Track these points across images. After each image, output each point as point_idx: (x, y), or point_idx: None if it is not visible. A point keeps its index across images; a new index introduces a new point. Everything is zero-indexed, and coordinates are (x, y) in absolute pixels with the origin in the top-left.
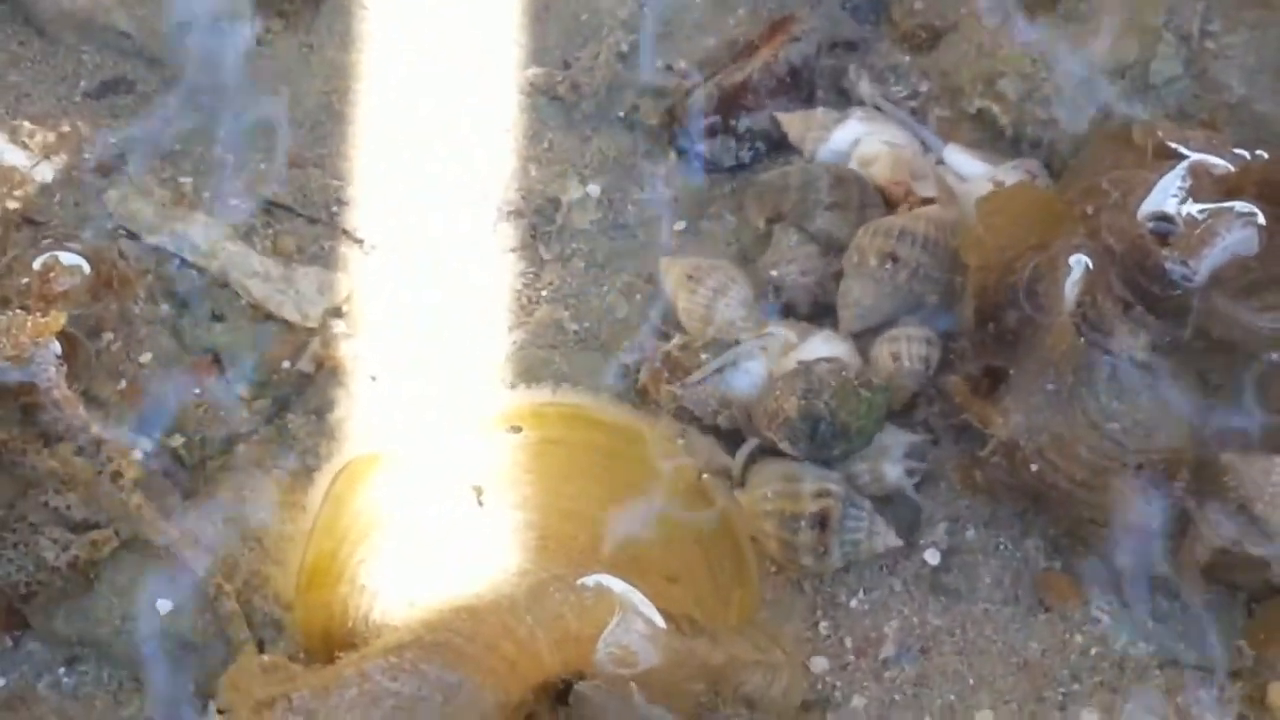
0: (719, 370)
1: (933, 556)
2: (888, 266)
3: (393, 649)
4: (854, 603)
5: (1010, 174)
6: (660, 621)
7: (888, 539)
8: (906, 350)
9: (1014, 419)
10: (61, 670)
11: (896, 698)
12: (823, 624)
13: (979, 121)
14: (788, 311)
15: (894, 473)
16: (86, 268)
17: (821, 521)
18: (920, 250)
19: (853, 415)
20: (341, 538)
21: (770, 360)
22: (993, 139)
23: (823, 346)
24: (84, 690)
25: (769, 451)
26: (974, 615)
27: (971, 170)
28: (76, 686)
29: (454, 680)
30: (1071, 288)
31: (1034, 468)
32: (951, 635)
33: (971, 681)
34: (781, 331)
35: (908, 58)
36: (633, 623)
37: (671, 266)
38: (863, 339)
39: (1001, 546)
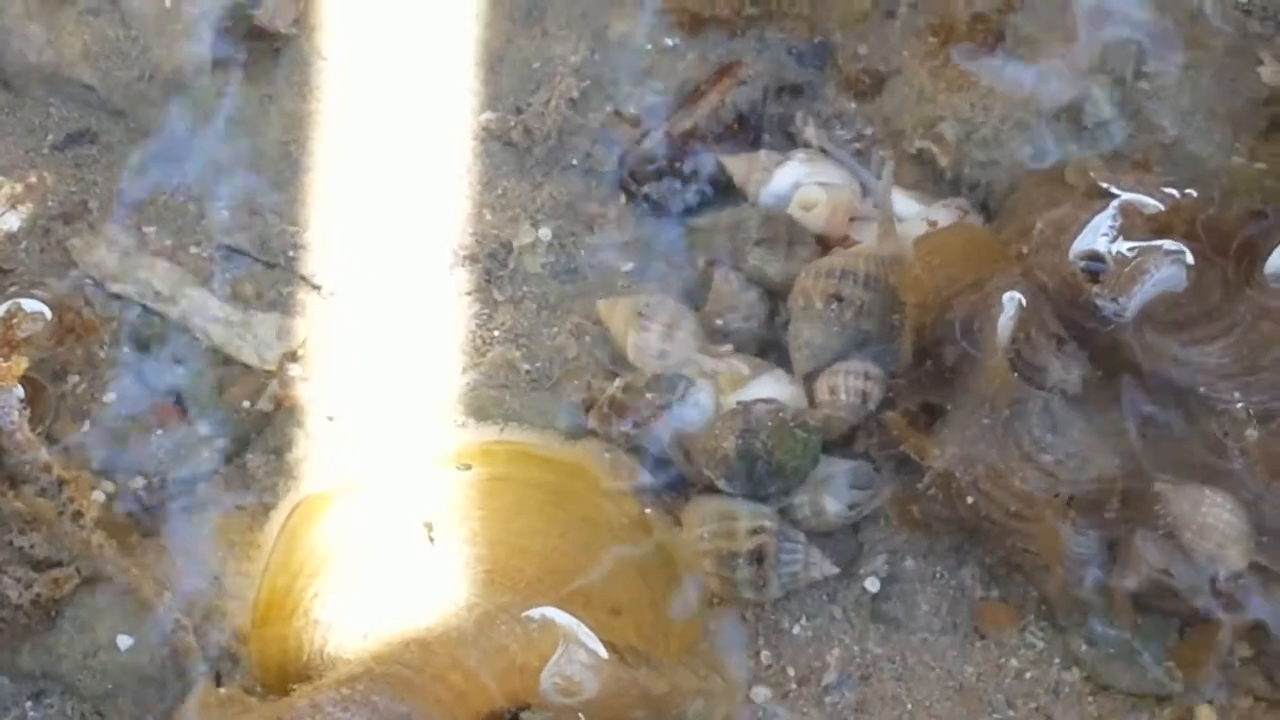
0: (665, 406)
1: (873, 585)
2: (833, 307)
3: (344, 680)
4: (796, 630)
5: (941, 212)
6: (603, 652)
7: (824, 568)
8: (844, 384)
9: (949, 452)
10: (28, 704)
11: None
12: (764, 653)
13: (919, 163)
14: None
15: (834, 506)
16: (49, 314)
17: (759, 558)
18: (863, 288)
19: (789, 455)
20: (296, 573)
21: (716, 393)
22: (933, 180)
23: (769, 387)
24: None
25: (706, 488)
26: (912, 643)
27: (907, 210)
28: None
29: (403, 710)
30: (1005, 324)
31: (969, 500)
32: (891, 662)
33: (910, 707)
34: (732, 364)
35: (852, 104)
36: (576, 653)
37: (615, 305)
38: (811, 378)
39: (939, 576)
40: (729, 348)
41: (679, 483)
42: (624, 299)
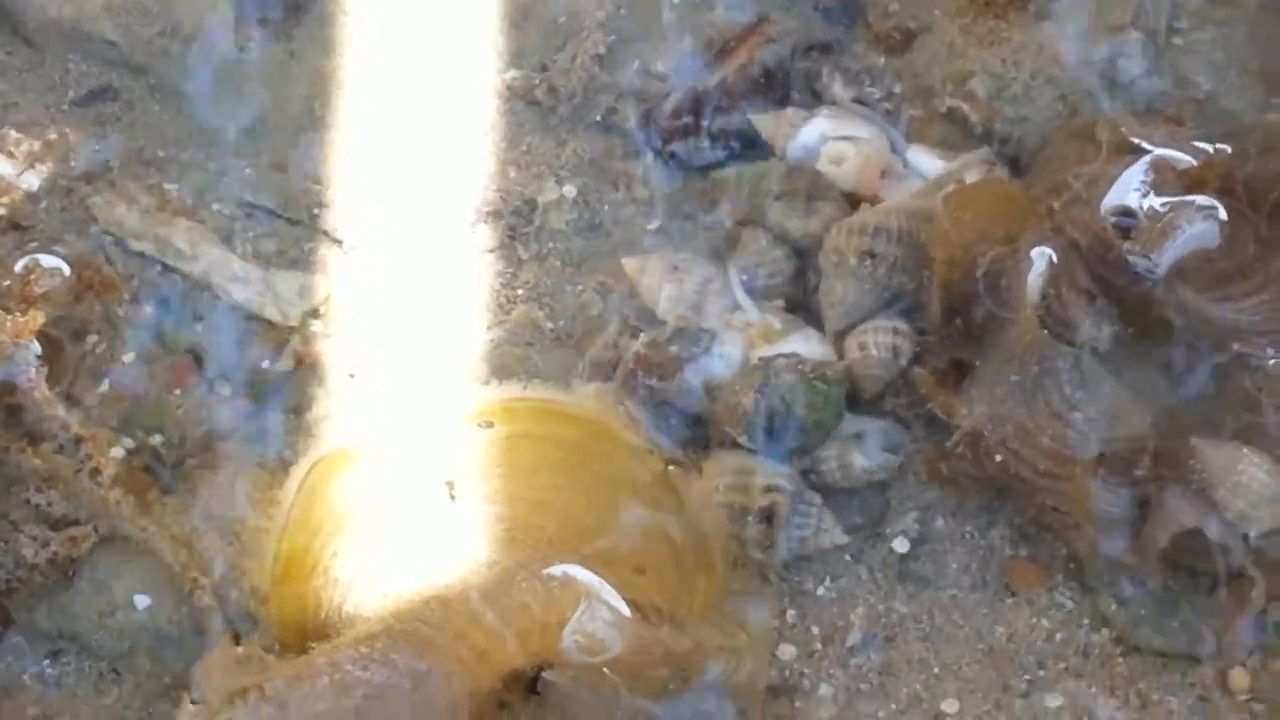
0: (690, 359)
1: (901, 545)
2: (867, 264)
3: (363, 639)
4: (820, 590)
5: (967, 166)
6: (625, 610)
7: (835, 535)
8: (874, 340)
9: (978, 410)
10: (45, 662)
11: (863, 686)
12: (790, 612)
13: (950, 121)
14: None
15: (862, 462)
16: (67, 270)
17: (768, 516)
18: (896, 244)
19: (809, 409)
20: (315, 531)
21: (746, 346)
22: (964, 136)
23: (799, 345)
24: (66, 681)
25: (728, 443)
26: (940, 602)
27: (932, 168)
28: (59, 678)
29: (423, 668)
30: (1035, 281)
31: (998, 458)
32: (918, 622)
33: (937, 670)
34: (766, 316)
35: (881, 59)
36: (598, 611)
37: (646, 262)
38: (841, 336)
39: (968, 535)
40: (779, 302)
41: (704, 438)
42: (654, 257)
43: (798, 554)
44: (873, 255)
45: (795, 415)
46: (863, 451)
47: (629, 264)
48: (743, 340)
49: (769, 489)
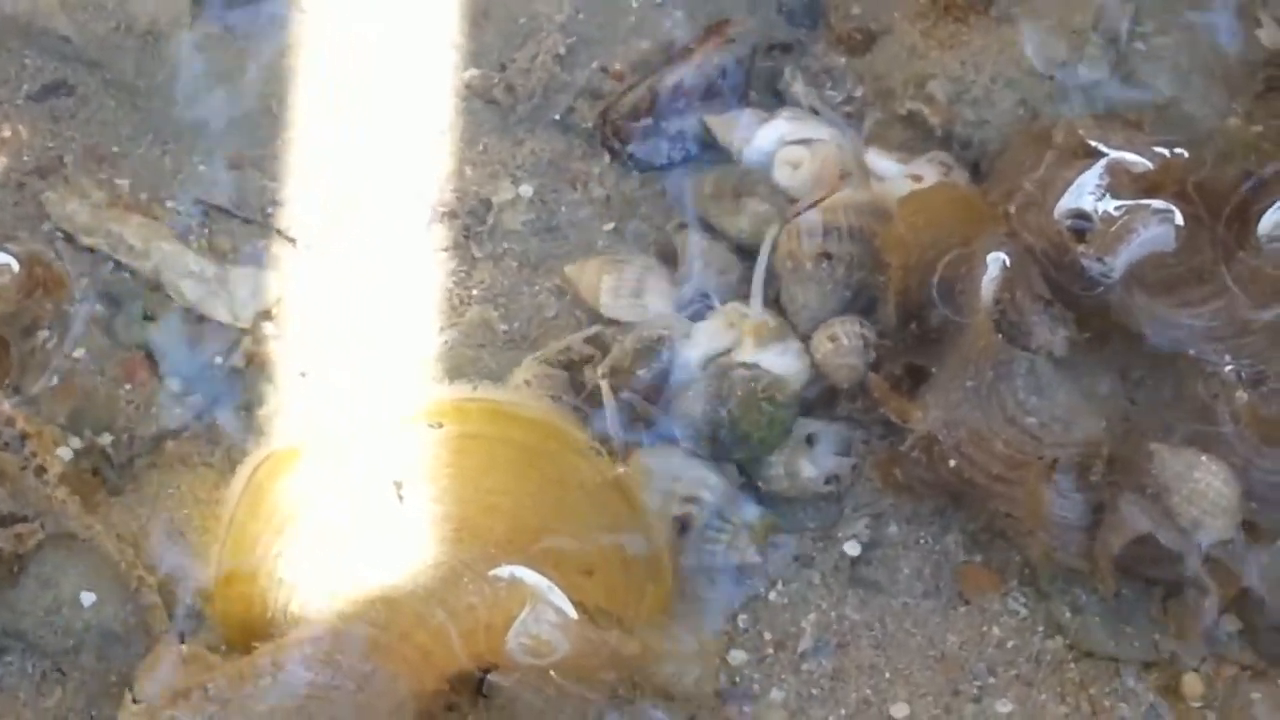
0: (661, 378)
1: (853, 549)
2: (824, 265)
3: (308, 639)
4: (772, 596)
5: (924, 167)
6: (572, 612)
7: (746, 555)
8: (842, 331)
9: (932, 415)
10: None
11: (814, 691)
12: (741, 617)
13: (910, 123)
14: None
15: (809, 472)
16: (15, 266)
17: (682, 527)
18: (850, 242)
19: (753, 426)
20: (261, 530)
21: (709, 343)
22: (923, 140)
23: (776, 358)
24: (8, 681)
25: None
26: (892, 609)
27: (891, 172)
28: (1, 676)
29: (368, 669)
30: (989, 285)
31: (952, 463)
32: (870, 629)
33: (888, 675)
34: (761, 312)
35: (843, 61)
36: (544, 613)
37: (584, 265)
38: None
39: (922, 541)
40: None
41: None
42: (592, 259)
43: (705, 565)
44: (829, 256)
45: (740, 431)
46: (812, 460)
47: (570, 270)
48: (727, 334)
49: (688, 499)
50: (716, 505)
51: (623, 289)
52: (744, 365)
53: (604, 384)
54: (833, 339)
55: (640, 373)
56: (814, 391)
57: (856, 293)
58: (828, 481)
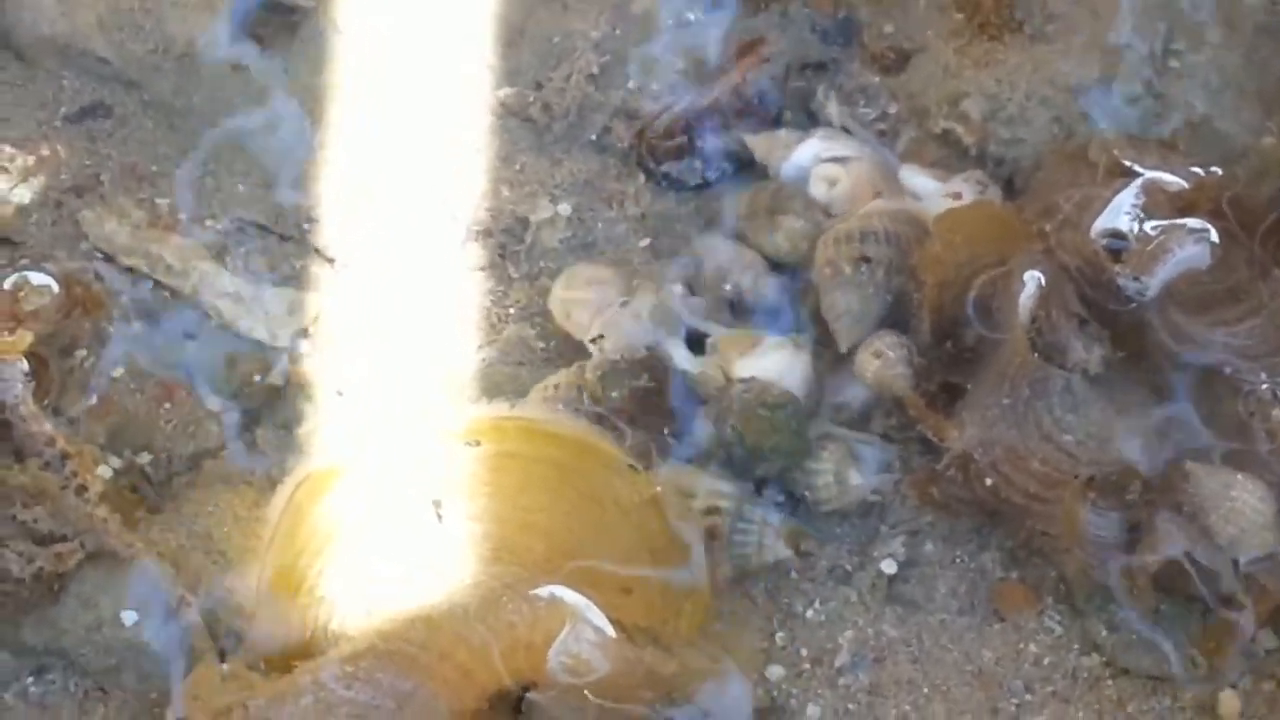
0: None
1: (889, 566)
2: (863, 270)
3: (348, 658)
4: (810, 613)
5: (961, 185)
6: (611, 631)
7: (777, 550)
8: (884, 345)
9: (969, 433)
10: (29, 679)
11: (851, 706)
12: (779, 634)
13: (944, 142)
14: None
15: (857, 480)
16: (56, 287)
17: (710, 536)
18: (887, 245)
19: (760, 435)
20: (301, 549)
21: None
22: (958, 158)
23: (764, 363)
24: (50, 699)
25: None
26: (929, 625)
27: (927, 189)
28: (44, 695)
29: (407, 688)
30: (1025, 303)
31: (988, 481)
32: (907, 645)
33: (926, 690)
34: (725, 330)
35: (877, 79)
36: (584, 632)
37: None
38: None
39: (958, 559)
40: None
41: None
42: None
43: (742, 568)
44: (867, 260)
45: (749, 444)
46: (859, 470)
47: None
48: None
49: (709, 511)
50: (736, 509)
51: (585, 308)
52: (740, 380)
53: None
54: (877, 354)
55: (614, 394)
56: (855, 408)
57: (896, 299)
58: (875, 492)
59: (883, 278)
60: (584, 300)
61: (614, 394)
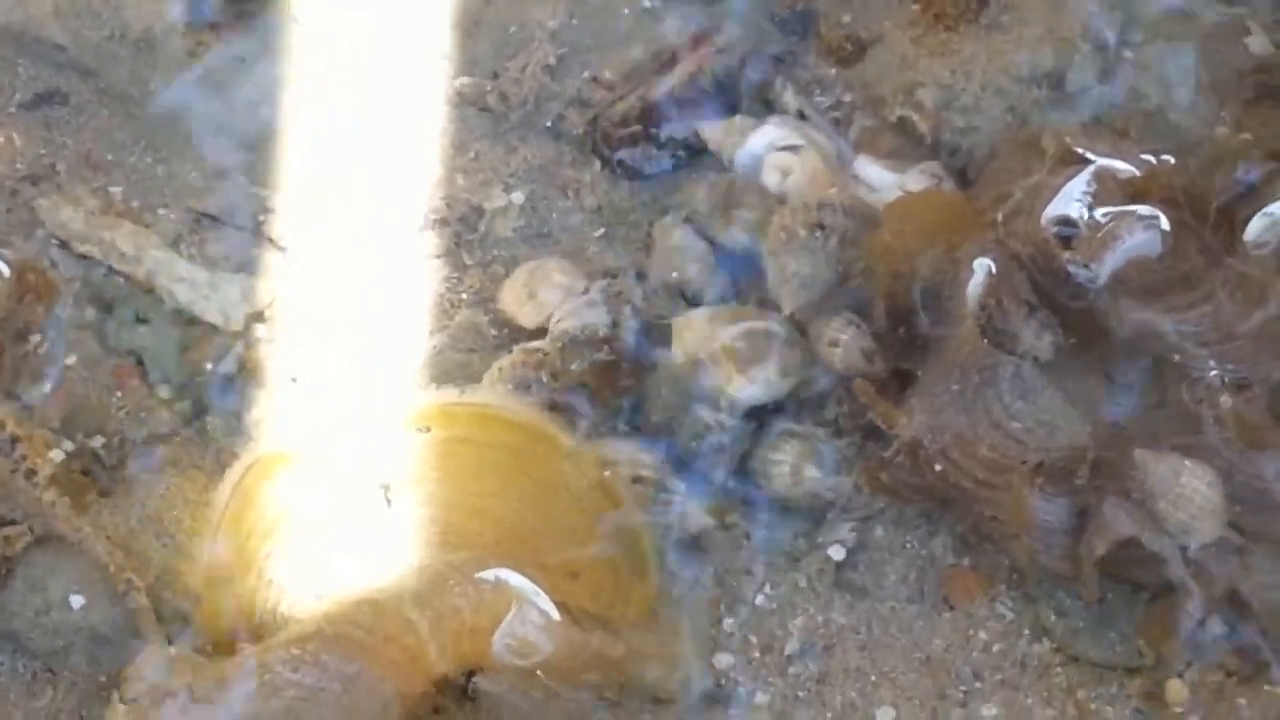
0: None
1: (837, 553)
2: (817, 235)
3: (294, 640)
4: (759, 599)
5: (917, 179)
6: (556, 614)
7: (699, 519)
8: (838, 330)
9: (918, 419)
10: None
11: (800, 694)
12: (727, 620)
13: (900, 131)
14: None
15: (814, 474)
16: (7, 272)
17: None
18: (843, 216)
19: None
20: (248, 532)
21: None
22: (913, 147)
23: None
24: None
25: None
26: (879, 613)
27: (881, 180)
28: None
29: (353, 671)
30: (974, 291)
31: (937, 467)
32: (856, 633)
33: (874, 678)
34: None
35: (833, 70)
36: (529, 614)
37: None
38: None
39: (908, 545)
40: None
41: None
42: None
43: (663, 539)
44: (822, 227)
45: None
46: (819, 465)
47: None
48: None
49: (633, 480)
50: (658, 480)
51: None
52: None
53: None
54: (834, 343)
55: (573, 366)
56: (801, 394)
57: (843, 277)
58: (830, 490)
59: (835, 247)
60: (544, 295)
61: (574, 365)
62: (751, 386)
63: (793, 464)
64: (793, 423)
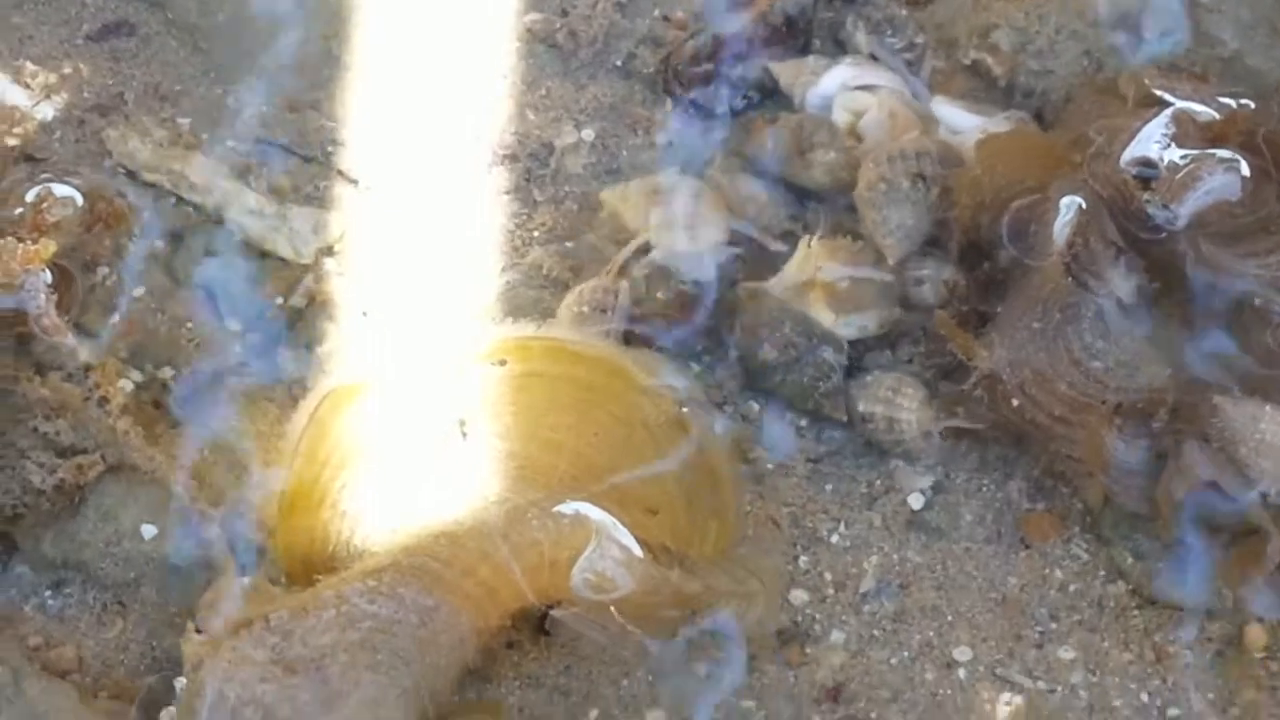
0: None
1: (916, 501)
2: (919, 186)
3: (371, 572)
4: (834, 538)
5: (1001, 125)
6: (637, 549)
7: (776, 456)
8: (923, 265)
9: (998, 353)
10: (48, 593)
11: (875, 633)
12: (802, 558)
13: (973, 73)
14: None
15: (909, 416)
16: (80, 200)
17: None
18: (939, 165)
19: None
20: (323, 463)
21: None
22: (987, 90)
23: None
24: (69, 612)
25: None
26: (954, 553)
27: (961, 122)
28: (62, 608)
29: (430, 604)
30: (1062, 229)
31: (1015, 402)
32: (931, 571)
33: (950, 618)
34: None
35: (904, 10)
36: (609, 549)
37: (625, 190)
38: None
39: (984, 488)
40: None
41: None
42: (633, 183)
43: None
44: (923, 177)
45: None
46: (898, 406)
47: (608, 195)
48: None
49: (710, 412)
50: (737, 413)
51: (674, 221)
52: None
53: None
54: (919, 280)
55: (658, 294)
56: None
57: (939, 221)
58: (926, 434)
59: (935, 196)
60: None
61: (658, 294)
62: (847, 328)
63: (873, 404)
64: (875, 362)
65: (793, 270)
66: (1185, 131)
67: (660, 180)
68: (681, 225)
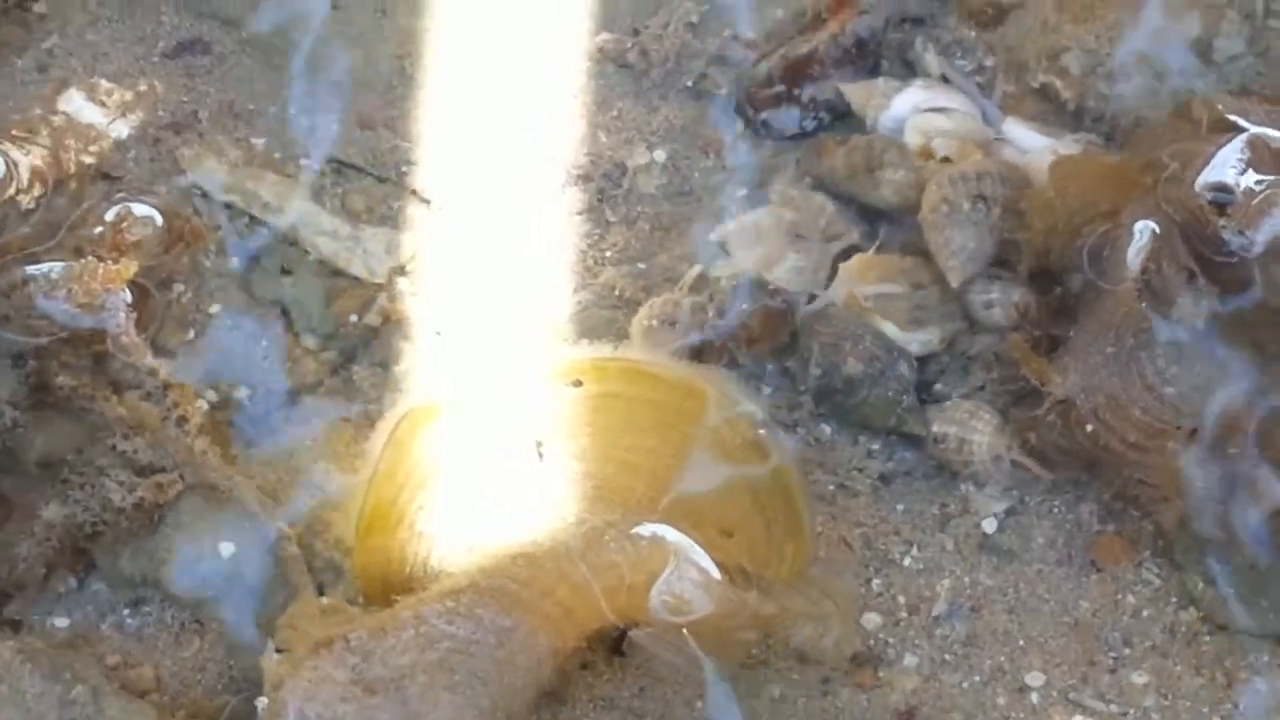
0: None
1: (989, 525)
2: (980, 208)
3: (449, 593)
4: (907, 561)
5: (1072, 148)
6: (714, 571)
7: (849, 478)
8: (990, 289)
9: (1071, 378)
10: (125, 610)
11: (947, 657)
12: (875, 581)
13: (1043, 96)
14: None
15: (981, 440)
16: (159, 219)
17: None
18: (1002, 186)
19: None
20: (401, 484)
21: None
22: (1056, 113)
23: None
24: (146, 631)
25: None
26: (1026, 575)
27: (1032, 143)
28: (139, 627)
29: (508, 624)
30: (1136, 254)
31: (1089, 428)
32: (1003, 595)
33: (1022, 642)
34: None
35: (973, 33)
36: (687, 571)
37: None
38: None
39: (1056, 510)
40: None
41: None
42: (732, 224)
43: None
44: (984, 199)
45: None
46: (973, 431)
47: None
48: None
49: (785, 434)
50: (811, 435)
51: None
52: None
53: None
54: (988, 304)
55: (743, 306)
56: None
57: (1003, 243)
58: (997, 459)
59: (997, 217)
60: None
61: (743, 305)
62: (913, 344)
63: (948, 424)
64: (944, 388)
65: (835, 287)
66: (1260, 157)
67: (753, 219)
68: (759, 244)
